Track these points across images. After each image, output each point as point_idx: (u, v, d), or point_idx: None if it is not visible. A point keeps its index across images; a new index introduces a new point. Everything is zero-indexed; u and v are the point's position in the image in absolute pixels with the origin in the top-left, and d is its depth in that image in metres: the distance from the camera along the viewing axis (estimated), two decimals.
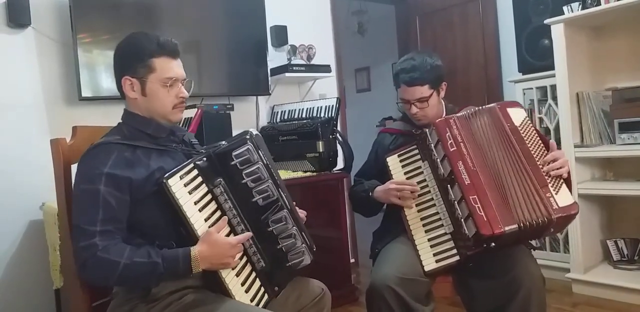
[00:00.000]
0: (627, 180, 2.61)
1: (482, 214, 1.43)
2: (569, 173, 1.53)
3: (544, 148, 1.55)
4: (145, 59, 1.27)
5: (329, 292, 1.49)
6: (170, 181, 1.18)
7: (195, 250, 1.18)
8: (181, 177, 1.20)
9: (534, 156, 1.52)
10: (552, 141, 1.58)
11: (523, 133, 1.55)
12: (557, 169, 1.49)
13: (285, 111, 2.96)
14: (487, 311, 1.55)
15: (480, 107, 1.63)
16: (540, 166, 1.50)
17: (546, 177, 1.48)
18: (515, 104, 1.66)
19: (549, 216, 1.43)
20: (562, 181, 1.50)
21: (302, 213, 1.45)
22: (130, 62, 1.28)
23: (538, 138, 1.57)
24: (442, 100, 1.80)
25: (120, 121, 1.35)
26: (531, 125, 1.59)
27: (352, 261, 3.21)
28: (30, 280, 2.28)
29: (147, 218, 1.23)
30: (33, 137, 2.30)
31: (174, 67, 1.30)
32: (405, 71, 1.69)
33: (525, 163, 1.50)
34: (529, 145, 1.53)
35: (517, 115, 1.59)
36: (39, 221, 2.25)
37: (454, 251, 1.55)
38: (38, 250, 2.25)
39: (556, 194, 1.46)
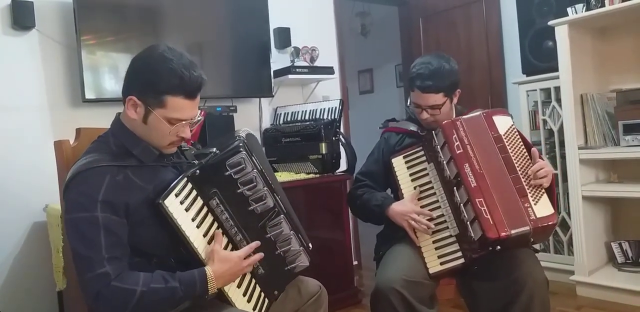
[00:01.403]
0: (631, 182, 2.60)
1: (488, 217, 1.43)
2: (552, 183, 1.54)
3: (527, 157, 1.55)
4: (159, 93, 1.16)
5: (326, 291, 1.49)
6: (167, 202, 1.14)
7: (209, 270, 1.16)
8: (177, 195, 1.17)
9: (517, 165, 1.52)
10: (535, 149, 1.57)
11: (507, 141, 1.55)
12: (542, 177, 1.50)
13: (288, 113, 2.96)
14: None
15: (471, 115, 1.63)
16: (522, 176, 1.50)
17: (526, 187, 1.49)
18: (501, 111, 1.65)
19: (526, 225, 1.43)
20: (542, 191, 1.51)
21: None
22: (144, 86, 1.17)
23: (522, 146, 1.57)
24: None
25: (108, 130, 1.26)
26: (516, 133, 1.59)
27: (354, 263, 3.19)
28: (33, 281, 2.29)
29: (145, 237, 1.19)
30: (37, 139, 2.31)
31: (186, 109, 1.19)
32: (421, 77, 1.64)
33: (506, 173, 1.51)
34: (512, 154, 1.53)
35: (503, 124, 1.59)
36: (42, 222, 2.26)
37: (459, 254, 1.54)
38: (41, 252, 2.26)
39: (535, 204, 1.47)
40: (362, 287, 2.84)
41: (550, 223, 1.45)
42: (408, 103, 1.79)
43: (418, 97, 1.69)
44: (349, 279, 2.70)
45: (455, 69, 1.69)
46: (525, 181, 1.50)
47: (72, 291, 1.73)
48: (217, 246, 1.20)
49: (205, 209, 1.23)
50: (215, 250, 1.19)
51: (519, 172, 1.51)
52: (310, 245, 1.40)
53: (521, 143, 1.57)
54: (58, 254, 1.99)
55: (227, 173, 1.23)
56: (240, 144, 1.24)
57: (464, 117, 1.61)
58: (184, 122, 1.20)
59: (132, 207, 1.16)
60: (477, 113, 1.62)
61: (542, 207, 1.47)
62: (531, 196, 1.48)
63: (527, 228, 1.43)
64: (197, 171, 1.21)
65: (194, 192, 1.21)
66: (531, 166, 1.53)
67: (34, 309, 2.29)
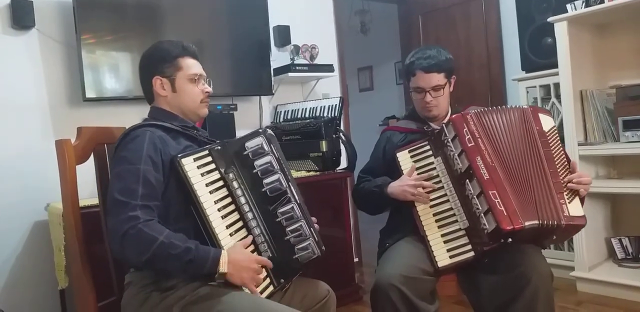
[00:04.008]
0: (631, 178, 2.61)
1: (502, 208, 1.43)
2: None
3: (566, 161, 1.57)
4: (172, 60, 1.42)
5: (334, 294, 1.49)
6: (184, 160, 1.26)
7: (225, 251, 1.22)
8: (195, 160, 1.28)
9: (555, 162, 1.53)
10: (574, 161, 1.58)
11: (549, 140, 1.56)
12: (581, 184, 1.52)
13: (288, 111, 2.96)
14: (495, 307, 1.54)
15: (506, 106, 1.63)
16: (560, 174, 1.51)
17: (563, 186, 1.50)
18: (546, 111, 1.67)
19: (559, 220, 1.44)
20: (577, 194, 1.52)
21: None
22: (159, 63, 1.42)
23: (562, 151, 1.58)
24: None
25: (147, 117, 1.44)
26: (557, 137, 1.60)
27: (355, 260, 3.21)
28: (36, 280, 2.30)
29: (164, 207, 1.27)
30: (38, 138, 2.31)
31: (197, 66, 1.46)
32: (423, 58, 1.70)
33: (545, 166, 1.51)
34: (552, 151, 1.54)
35: (547, 123, 1.60)
36: (44, 221, 2.26)
37: (469, 247, 1.53)
38: (43, 250, 2.26)
39: (569, 203, 1.48)
40: (363, 284, 2.85)
41: (580, 223, 1.47)
42: (410, 90, 1.79)
43: (420, 80, 1.71)
44: (350, 276, 2.71)
45: (451, 56, 1.75)
46: (563, 180, 1.51)
47: (74, 289, 1.74)
48: (239, 243, 1.28)
49: (221, 182, 1.32)
50: (237, 243, 1.28)
51: (557, 169, 1.52)
52: (322, 245, 1.40)
53: (560, 146, 1.58)
54: (60, 252, 2.00)
55: (245, 153, 1.35)
56: (260, 131, 1.39)
57: (472, 111, 1.61)
58: (201, 78, 1.45)
59: (166, 164, 1.28)
60: (525, 106, 1.63)
61: (575, 208, 1.49)
62: (566, 194, 1.50)
63: (537, 222, 1.44)
64: (219, 147, 1.34)
65: (213, 164, 1.31)
66: (568, 173, 1.55)
67: (36, 308, 2.30)
